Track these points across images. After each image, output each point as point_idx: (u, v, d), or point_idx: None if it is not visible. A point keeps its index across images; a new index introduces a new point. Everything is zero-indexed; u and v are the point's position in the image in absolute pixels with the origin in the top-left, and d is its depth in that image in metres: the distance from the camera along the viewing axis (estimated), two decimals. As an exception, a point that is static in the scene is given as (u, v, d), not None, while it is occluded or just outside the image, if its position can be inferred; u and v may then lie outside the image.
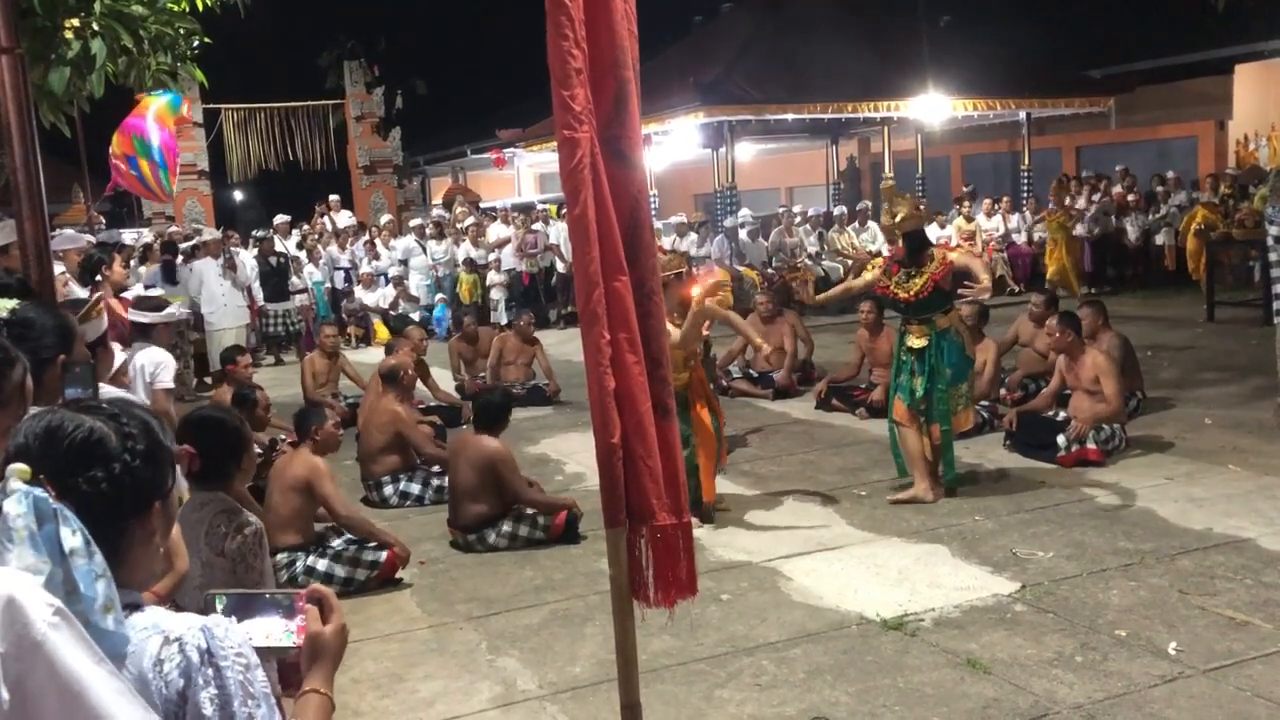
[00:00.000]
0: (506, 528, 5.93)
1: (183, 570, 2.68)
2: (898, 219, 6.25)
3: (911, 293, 6.12)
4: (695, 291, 5.72)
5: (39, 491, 1.34)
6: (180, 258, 12.64)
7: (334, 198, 18.74)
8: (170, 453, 1.59)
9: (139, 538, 1.52)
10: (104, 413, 1.53)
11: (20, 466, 1.38)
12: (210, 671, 1.43)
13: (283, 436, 7.20)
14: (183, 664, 1.43)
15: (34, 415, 1.53)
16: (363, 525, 5.50)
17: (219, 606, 1.58)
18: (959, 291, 6.16)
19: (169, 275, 11.88)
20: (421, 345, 9.20)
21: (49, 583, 1.30)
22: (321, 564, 5.36)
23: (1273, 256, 7.45)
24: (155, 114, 9.82)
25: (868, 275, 6.77)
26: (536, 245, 15.98)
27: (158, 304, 5.45)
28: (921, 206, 6.63)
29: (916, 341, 6.20)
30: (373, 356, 11.74)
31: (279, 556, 5.33)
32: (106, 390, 3.41)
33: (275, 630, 1.59)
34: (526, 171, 26.15)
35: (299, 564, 5.34)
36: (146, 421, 1.56)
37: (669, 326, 5.93)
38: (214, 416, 3.64)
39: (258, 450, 5.66)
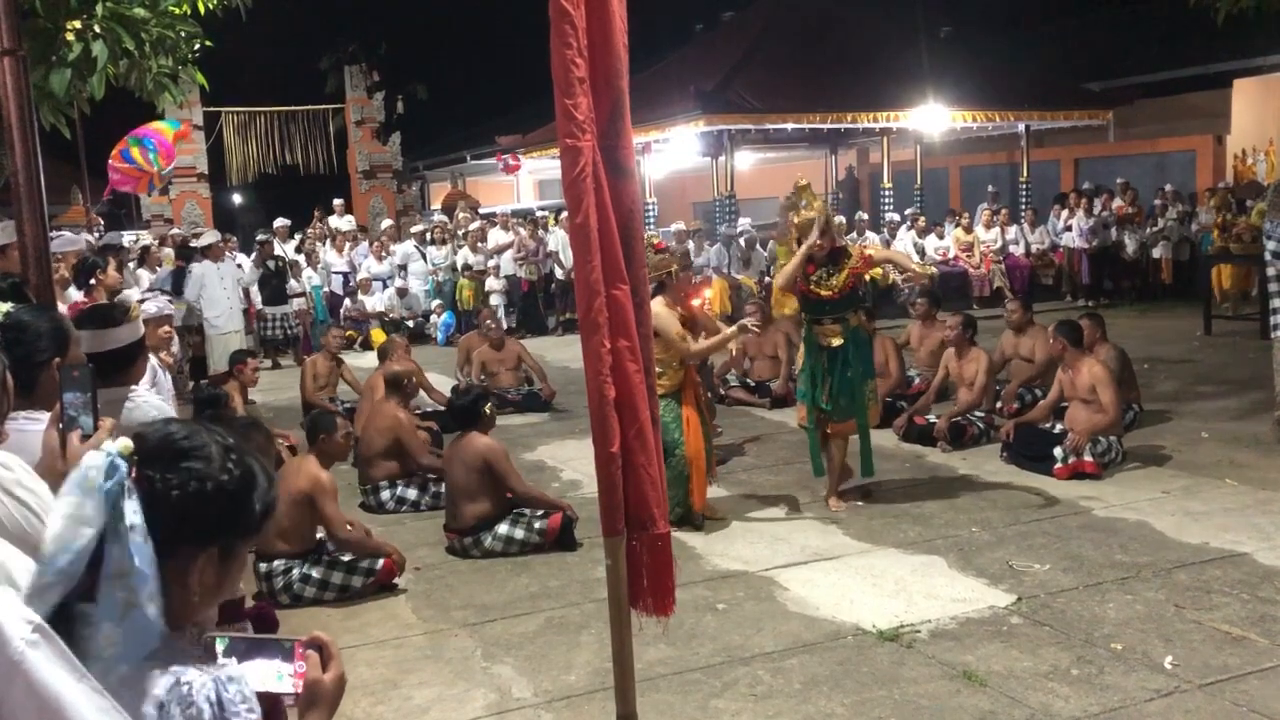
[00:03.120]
0: (503, 530, 5.92)
1: None
2: (800, 221, 6.43)
3: (835, 289, 6.29)
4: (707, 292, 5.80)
5: (123, 464, 1.36)
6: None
7: (338, 202, 18.73)
8: (253, 510, 1.50)
9: (174, 573, 1.43)
10: (218, 436, 1.49)
11: (127, 441, 1.40)
12: None
13: (282, 442, 7.19)
14: (195, 715, 1.39)
15: (163, 419, 1.55)
16: (359, 547, 5.46)
17: (219, 648, 1.54)
18: (899, 282, 6.31)
19: (178, 284, 11.74)
20: (405, 352, 9.15)
21: (82, 543, 1.30)
22: (317, 571, 5.33)
23: (1270, 271, 7.46)
24: (154, 126, 11.60)
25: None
26: (536, 252, 15.98)
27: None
28: (832, 216, 6.67)
29: (835, 340, 6.34)
30: (368, 361, 11.71)
31: (276, 563, 5.31)
32: (141, 395, 3.37)
33: (271, 675, 1.56)
34: (526, 177, 26.13)
35: (295, 571, 5.31)
36: (250, 467, 1.50)
37: (676, 329, 5.95)
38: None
39: None
